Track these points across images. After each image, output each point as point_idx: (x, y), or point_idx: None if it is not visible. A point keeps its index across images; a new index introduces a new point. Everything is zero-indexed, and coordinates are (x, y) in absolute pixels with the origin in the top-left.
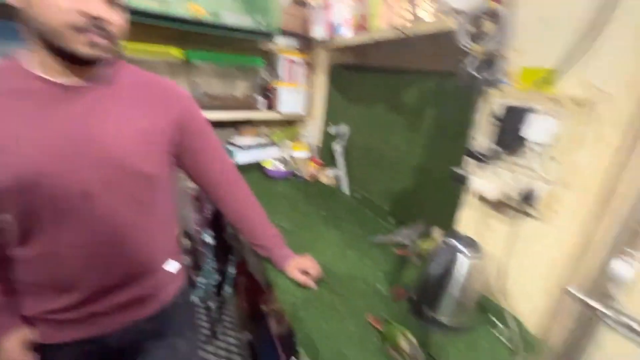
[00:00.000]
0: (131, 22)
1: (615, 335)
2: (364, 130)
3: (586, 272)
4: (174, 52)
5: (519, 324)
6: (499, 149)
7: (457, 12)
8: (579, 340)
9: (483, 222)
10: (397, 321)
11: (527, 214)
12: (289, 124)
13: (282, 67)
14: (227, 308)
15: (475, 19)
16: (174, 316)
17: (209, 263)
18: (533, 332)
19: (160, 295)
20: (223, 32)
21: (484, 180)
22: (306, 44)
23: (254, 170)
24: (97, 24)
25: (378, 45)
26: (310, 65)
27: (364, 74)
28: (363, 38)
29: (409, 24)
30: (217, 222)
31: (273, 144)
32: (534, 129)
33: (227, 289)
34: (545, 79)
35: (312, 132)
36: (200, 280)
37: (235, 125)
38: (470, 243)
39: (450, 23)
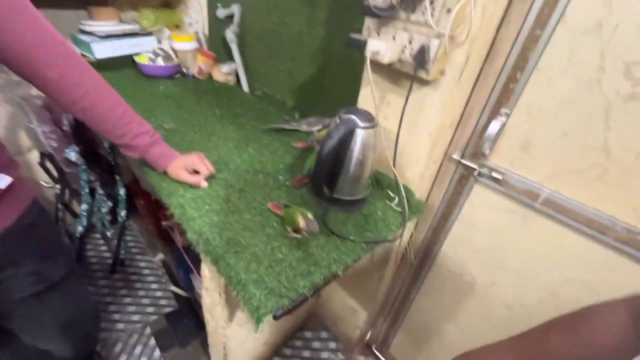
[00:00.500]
0: None
1: (483, 188)
2: (258, 10)
3: (466, 137)
4: None
5: (407, 190)
6: (397, 1)
7: None
8: (457, 198)
9: (381, 99)
10: (298, 204)
11: (420, 80)
12: (165, 5)
13: None
14: (129, 234)
15: None
16: (26, 240)
17: (85, 186)
18: (418, 197)
19: None
20: None
21: (380, 42)
22: None
23: (125, 66)
24: None
25: None
26: None
27: None
28: None
29: None
30: (82, 135)
31: (146, 32)
32: None
33: (122, 214)
34: None
35: (196, 16)
36: (82, 207)
37: (84, 4)
38: (366, 116)
39: None
